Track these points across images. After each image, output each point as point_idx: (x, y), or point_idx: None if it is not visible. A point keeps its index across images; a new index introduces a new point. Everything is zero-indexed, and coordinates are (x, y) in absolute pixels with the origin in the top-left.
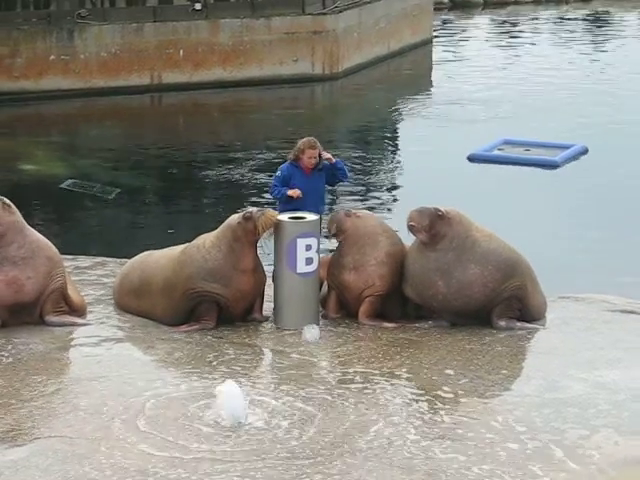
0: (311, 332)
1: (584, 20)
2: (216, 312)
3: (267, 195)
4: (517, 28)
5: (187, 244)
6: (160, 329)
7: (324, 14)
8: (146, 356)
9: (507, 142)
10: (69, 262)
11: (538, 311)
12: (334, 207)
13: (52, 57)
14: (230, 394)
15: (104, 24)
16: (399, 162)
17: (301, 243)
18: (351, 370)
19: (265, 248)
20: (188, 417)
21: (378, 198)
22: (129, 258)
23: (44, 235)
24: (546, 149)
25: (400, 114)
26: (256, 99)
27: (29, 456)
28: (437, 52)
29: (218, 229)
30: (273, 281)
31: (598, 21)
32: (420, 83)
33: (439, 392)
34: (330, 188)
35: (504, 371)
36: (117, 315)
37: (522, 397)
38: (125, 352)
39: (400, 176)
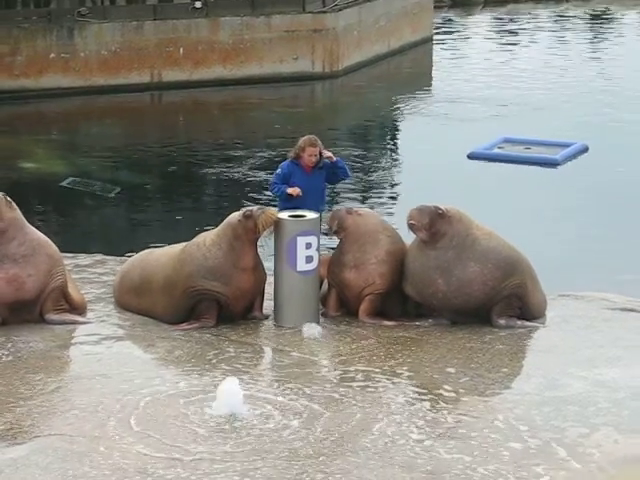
0: (311, 330)
1: (584, 18)
2: (216, 310)
3: (267, 193)
4: (517, 26)
5: (187, 242)
6: (160, 327)
7: (324, 12)
8: (146, 354)
9: (507, 140)
10: (69, 260)
11: (538, 309)
12: (334, 205)
13: (52, 55)
14: (230, 391)
15: (104, 22)
16: (399, 160)
17: (301, 241)
18: (352, 368)
19: (266, 247)
20: (188, 415)
21: (378, 196)
22: (129, 256)
23: (44, 233)
24: (546, 147)
25: (400, 112)
26: (256, 97)
27: (29, 454)
28: (437, 50)
29: (218, 227)
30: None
31: (598, 19)
32: (420, 81)
33: (440, 391)
34: (330, 186)
35: (504, 369)
36: (117, 313)
37: (522, 395)
38: (125, 350)
39: (400, 174)
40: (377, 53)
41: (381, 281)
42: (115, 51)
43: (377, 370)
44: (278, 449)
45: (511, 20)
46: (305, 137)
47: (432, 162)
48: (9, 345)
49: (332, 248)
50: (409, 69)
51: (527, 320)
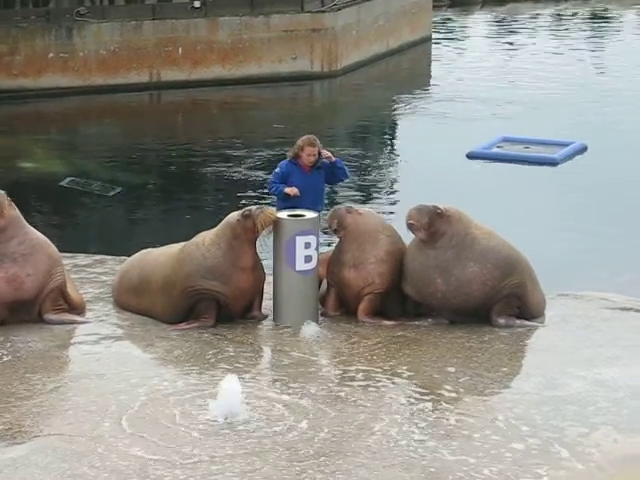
0: (310, 329)
1: (583, 17)
2: (215, 310)
3: (266, 192)
4: (516, 25)
5: (186, 242)
6: (159, 327)
7: (323, 12)
8: (145, 354)
9: (506, 140)
10: (68, 260)
11: (537, 309)
12: (333, 205)
13: (51, 55)
14: (229, 391)
15: (103, 22)
16: (398, 160)
17: (300, 241)
18: (352, 368)
19: (265, 247)
20: (187, 415)
21: (377, 196)
22: (128, 256)
23: (43, 233)
24: (545, 147)
25: (399, 112)
26: (255, 97)
27: (28, 454)
28: (436, 50)
29: (217, 227)
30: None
31: (597, 18)
32: (419, 81)
33: (440, 390)
34: (329, 186)
35: (504, 369)
36: (116, 313)
37: (522, 395)
38: (124, 350)
39: (399, 174)
40: (376, 53)
41: (380, 281)
42: (114, 51)
43: (377, 370)
44: (278, 450)
45: (510, 19)
46: (304, 137)
47: (431, 162)
48: (8, 345)
49: (330, 244)
50: (408, 69)
51: (526, 319)
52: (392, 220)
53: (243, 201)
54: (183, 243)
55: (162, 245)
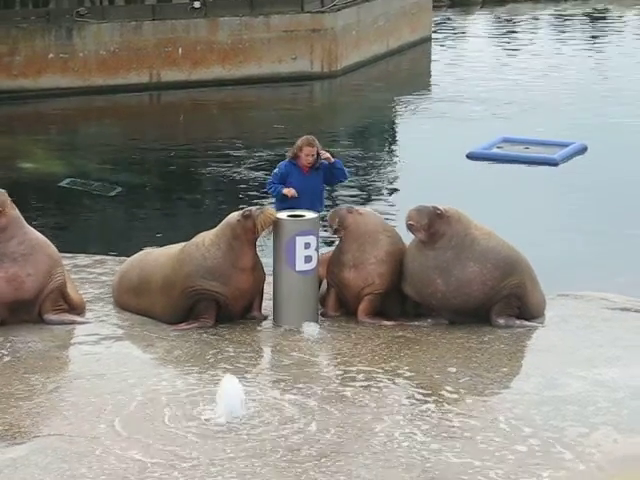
0: (310, 330)
1: (583, 17)
2: (215, 310)
3: (266, 193)
4: (516, 26)
5: (186, 242)
6: (159, 327)
7: (323, 12)
8: (145, 354)
9: (506, 140)
10: (68, 260)
11: (537, 309)
12: (334, 205)
13: (51, 55)
14: (229, 391)
15: (103, 22)
16: (398, 160)
17: (300, 241)
18: (352, 368)
19: (265, 247)
20: (187, 415)
21: (377, 196)
22: (128, 256)
23: (43, 233)
24: (545, 147)
25: (399, 112)
26: (255, 97)
27: (28, 454)
28: (436, 50)
29: (217, 227)
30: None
31: (597, 19)
32: (419, 81)
33: (441, 391)
34: (332, 186)
35: (503, 369)
36: (116, 313)
37: (521, 395)
38: (124, 350)
39: (399, 174)
40: (376, 53)
41: (380, 281)
42: (114, 51)
43: (378, 370)
44: (279, 451)
45: (510, 20)
46: (303, 137)
47: (431, 162)
48: (8, 345)
49: (330, 243)
50: (408, 69)
51: (526, 320)
52: (392, 220)
53: (243, 201)
54: (183, 243)
55: (162, 245)
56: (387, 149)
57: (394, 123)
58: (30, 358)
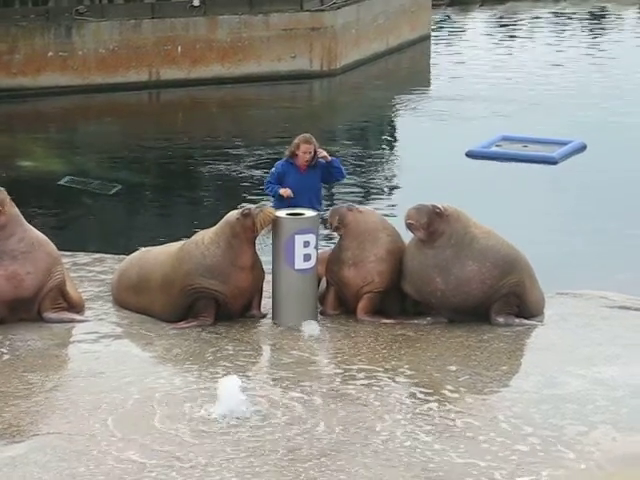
0: (310, 328)
1: (582, 16)
2: (214, 309)
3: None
4: (515, 24)
5: (185, 240)
6: (158, 325)
7: (322, 10)
8: (144, 353)
9: (505, 138)
10: (67, 258)
11: (536, 307)
12: (333, 204)
13: (50, 53)
14: (229, 389)
15: (102, 20)
16: (397, 158)
17: (299, 239)
18: (352, 367)
19: (264, 245)
20: (187, 413)
21: (376, 194)
22: (127, 254)
23: (42, 232)
24: (544, 145)
25: (398, 110)
26: (254, 95)
27: (27, 452)
28: (435, 48)
29: (216, 226)
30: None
31: (596, 17)
32: (418, 79)
33: (441, 389)
34: (327, 185)
35: (503, 367)
36: (115, 312)
37: (521, 393)
38: (123, 349)
39: (398, 172)
40: (375, 51)
41: (380, 279)
42: (113, 49)
43: (378, 368)
44: (279, 450)
45: (509, 18)
46: (300, 135)
47: (430, 160)
48: (7, 343)
49: (329, 244)
50: (407, 67)
51: (525, 318)
52: (391, 219)
53: (242, 200)
54: (182, 242)
55: (161, 243)
56: (386, 147)
57: (393, 121)
58: (29, 356)
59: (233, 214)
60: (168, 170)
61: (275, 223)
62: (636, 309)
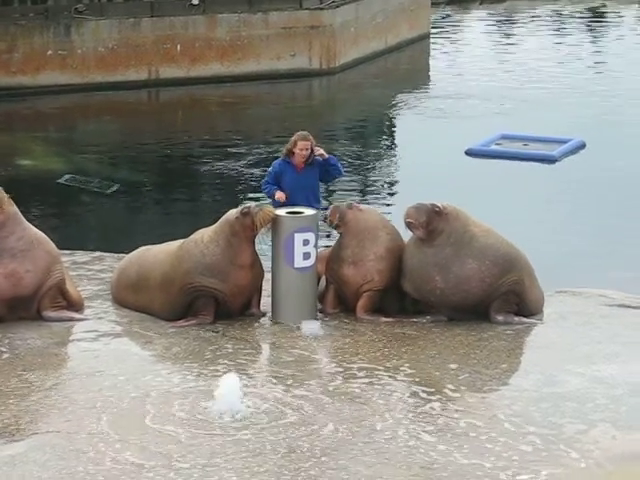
0: (309, 327)
1: (582, 15)
2: (214, 307)
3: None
4: (514, 23)
5: (185, 239)
6: (158, 324)
7: (321, 9)
8: (144, 351)
9: (505, 137)
10: (67, 257)
11: (536, 306)
12: (333, 202)
13: (49, 52)
14: (229, 388)
15: (101, 19)
16: (396, 157)
17: (299, 238)
18: (352, 365)
19: (263, 244)
20: (186, 412)
21: (375, 193)
22: (127, 253)
23: (42, 230)
24: (544, 144)
25: (398, 109)
26: (253, 94)
27: (27, 451)
28: (435, 47)
29: (216, 224)
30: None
31: (596, 16)
32: (417, 78)
33: (441, 388)
34: (326, 184)
35: (502, 365)
36: (115, 310)
37: (520, 392)
38: (123, 347)
39: (397, 171)
40: (374, 50)
41: (379, 278)
42: (112, 48)
43: (378, 367)
44: (279, 450)
45: (509, 17)
46: (297, 133)
47: (430, 159)
48: (6, 342)
49: (329, 246)
50: (406, 66)
51: (525, 316)
52: (390, 217)
53: (242, 198)
54: (182, 240)
55: (161, 242)
56: (385, 146)
57: (393, 120)
58: (28, 355)
59: (232, 213)
60: (167, 168)
61: (274, 222)
62: (635, 307)
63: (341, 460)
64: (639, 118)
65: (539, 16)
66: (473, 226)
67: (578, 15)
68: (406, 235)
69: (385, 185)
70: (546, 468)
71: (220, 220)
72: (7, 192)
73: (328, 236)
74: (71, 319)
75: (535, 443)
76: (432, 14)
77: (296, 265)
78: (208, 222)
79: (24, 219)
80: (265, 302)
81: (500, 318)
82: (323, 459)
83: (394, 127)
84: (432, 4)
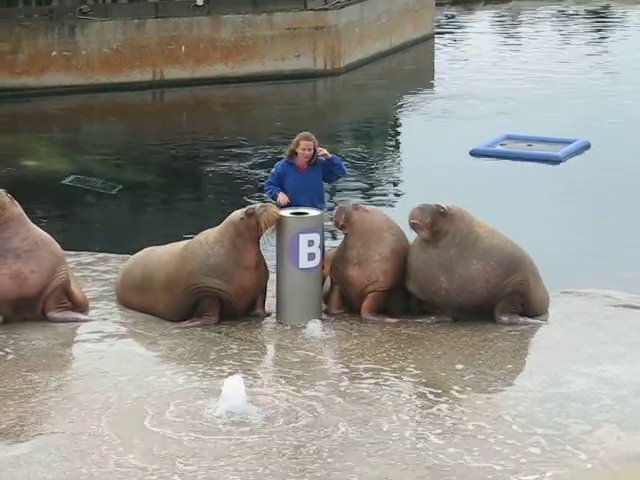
0: (314, 327)
1: (586, 15)
2: (218, 308)
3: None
4: (519, 23)
5: (190, 240)
6: (162, 325)
7: (326, 10)
8: (148, 352)
9: (509, 137)
10: (72, 258)
11: (541, 306)
12: (337, 203)
13: (54, 53)
14: (234, 389)
15: (106, 20)
16: (401, 157)
17: (303, 239)
18: (357, 366)
19: (268, 244)
20: (191, 413)
21: (380, 193)
22: (131, 254)
23: (46, 231)
24: (548, 144)
25: (402, 109)
26: (258, 95)
27: (32, 452)
28: (439, 47)
29: (221, 225)
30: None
31: (600, 16)
32: (422, 78)
33: (446, 388)
34: (331, 184)
35: (507, 366)
36: (119, 311)
37: (525, 392)
38: (127, 348)
39: (402, 171)
40: (379, 50)
41: (384, 279)
42: (117, 49)
43: (384, 368)
44: (285, 451)
45: (513, 17)
46: (300, 133)
47: (434, 159)
48: (11, 343)
49: (333, 248)
50: (411, 66)
51: (530, 317)
52: (395, 218)
53: (246, 199)
54: (186, 241)
55: (165, 243)
56: (390, 146)
57: (397, 120)
58: (33, 356)
59: (237, 213)
60: (172, 169)
61: (279, 222)
62: None
63: (347, 461)
64: None
65: (543, 16)
66: (478, 227)
67: (583, 15)
68: (411, 236)
69: (390, 186)
70: (551, 469)
71: (225, 221)
72: (12, 193)
73: (335, 238)
74: (76, 320)
75: (539, 443)
76: (436, 14)
77: (301, 266)
78: (213, 223)
79: (28, 220)
80: (270, 303)
81: (505, 319)
82: (329, 460)
83: (398, 128)
84: (436, 4)
